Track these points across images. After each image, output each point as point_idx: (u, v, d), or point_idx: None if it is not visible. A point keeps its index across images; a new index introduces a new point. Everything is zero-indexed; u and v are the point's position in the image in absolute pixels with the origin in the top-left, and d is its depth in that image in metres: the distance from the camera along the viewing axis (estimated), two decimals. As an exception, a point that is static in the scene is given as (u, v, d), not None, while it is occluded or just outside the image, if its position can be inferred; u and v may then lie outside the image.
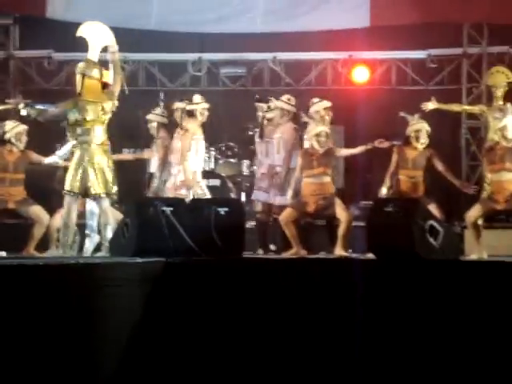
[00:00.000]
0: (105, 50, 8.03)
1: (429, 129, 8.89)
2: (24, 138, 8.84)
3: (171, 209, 6.97)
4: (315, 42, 11.68)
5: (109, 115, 7.89)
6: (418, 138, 8.86)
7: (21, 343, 5.09)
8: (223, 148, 11.48)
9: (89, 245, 8.59)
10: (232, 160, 11.46)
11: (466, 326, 5.89)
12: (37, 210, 8.73)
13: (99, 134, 7.83)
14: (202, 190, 9.08)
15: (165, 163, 9.39)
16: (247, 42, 11.82)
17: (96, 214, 8.30)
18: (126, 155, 9.48)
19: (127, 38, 11.52)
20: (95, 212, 8.30)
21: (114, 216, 7.93)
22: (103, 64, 8.04)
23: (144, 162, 10.13)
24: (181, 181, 9.09)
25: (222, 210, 7.15)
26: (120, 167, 8.38)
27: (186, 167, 9.02)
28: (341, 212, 8.60)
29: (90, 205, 8.33)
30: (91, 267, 5.83)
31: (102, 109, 7.81)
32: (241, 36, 11.70)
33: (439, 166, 8.82)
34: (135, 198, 7.96)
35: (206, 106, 9.35)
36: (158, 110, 9.74)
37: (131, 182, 10.11)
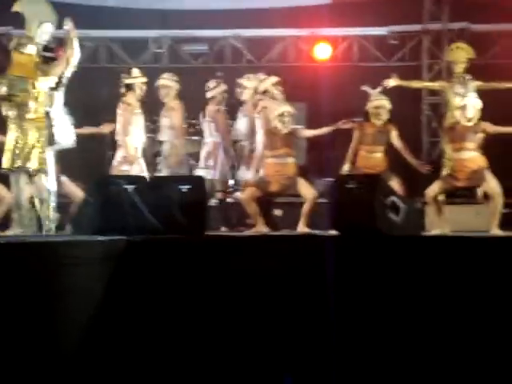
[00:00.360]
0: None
1: (389, 105, 8.94)
2: None
3: (133, 186, 6.93)
4: (277, 19, 11.66)
5: (45, 91, 7.74)
6: (377, 115, 8.92)
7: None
8: (185, 125, 11.42)
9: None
10: (194, 138, 11.41)
11: (428, 301, 5.94)
12: None
13: (31, 110, 7.71)
14: (140, 166, 9.07)
15: None
16: (209, 19, 11.77)
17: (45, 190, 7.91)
18: (86, 129, 9.36)
19: (87, 15, 11.52)
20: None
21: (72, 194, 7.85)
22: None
23: (105, 138, 10.10)
24: (122, 156, 9.06)
25: (184, 188, 7.13)
26: (81, 143, 8.31)
27: (128, 142, 8.99)
28: (305, 190, 8.62)
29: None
30: (52, 245, 5.79)
31: (33, 85, 7.69)
32: (202, 12, 11.64)
33: (398, 143, 8.88)
34: (96, 176, 7.90)
35: (144, 79, 9.33)
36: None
37: (92, 159, 10.07)
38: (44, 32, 7.87)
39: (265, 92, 9.39)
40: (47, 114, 7.79)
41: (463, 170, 8.29)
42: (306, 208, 8.55)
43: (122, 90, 9.33)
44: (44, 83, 7.73)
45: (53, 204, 7.75)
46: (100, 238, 6.31)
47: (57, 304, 5.40)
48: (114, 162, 9.15)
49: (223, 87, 9.73)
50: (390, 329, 5.94)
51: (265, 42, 12.10)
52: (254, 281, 6.02)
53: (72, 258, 5.61)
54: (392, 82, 9.23)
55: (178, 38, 12.08)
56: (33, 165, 7.63)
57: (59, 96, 7.89)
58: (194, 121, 11.40)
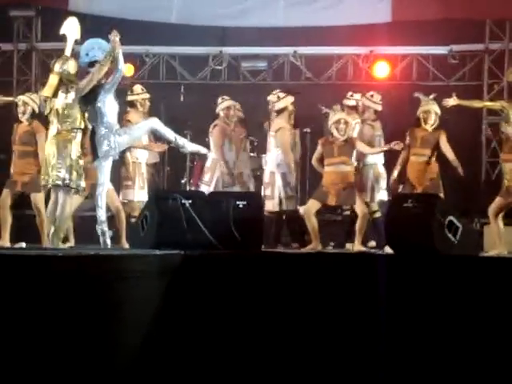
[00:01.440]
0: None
1: (438, 110, 8.95)
2: None
3: (190, 201, 6.99)
4: (336, 37, 11.65)
5: (63, 106, 7.67)
6: (426, 119, 8.91)
7: (40, 334, 5.13)
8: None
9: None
10: (252, 154, 11.46)
11: (484, 322, 5.88)
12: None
13: (54, 126, 7.68)
14: (142, 182, 9.23)
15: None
16: (268, 36, 11.81)
17: (99, 207, 7.76)
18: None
19: (148, 31, 11.66)
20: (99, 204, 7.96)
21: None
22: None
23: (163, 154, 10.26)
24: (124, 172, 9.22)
25: (241, 204, 7.16)
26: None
27: (128, 159, 9.15)
28: (359, 205, 8.62)
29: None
30: (110, 259, 5.86)
31: (54, 102, 7.71)
32: (262, 30, 11.69)
33: (445, 148, 8.82)
34: (154, 191, 7.97)
35: (147, 96, 9.44)
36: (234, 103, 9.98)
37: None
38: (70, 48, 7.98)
39: (283, 110, 9.40)
40: (76, 128, 7.70)
41: None
42: (359, 225, 8.55)
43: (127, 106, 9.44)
44: (60, 100, 7.66)
45: (102, 218, 7.66)
46: (157, 252, 6.37)
47: (114, 317, 5.46)
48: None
49: (226, 103, 9.74)
50: (443, 349, 5.89)
51: (324, 60, 12.09)
52: (308, 298, 6.02)
53: (129, 271, 5.67)
54: (452, 102, 9.16)
55: (238, 55, 12.15)
56: (71, 180, 7.60)
57: (103, 109, 7.78)
58: (251, 137, 11.48)
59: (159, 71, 12.22)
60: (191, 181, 11.22)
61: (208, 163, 9.73)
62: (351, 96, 9.78)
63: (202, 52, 12.21)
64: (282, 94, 9.58)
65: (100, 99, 7.56)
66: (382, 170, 9.28)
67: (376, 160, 9.26)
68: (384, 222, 7.62)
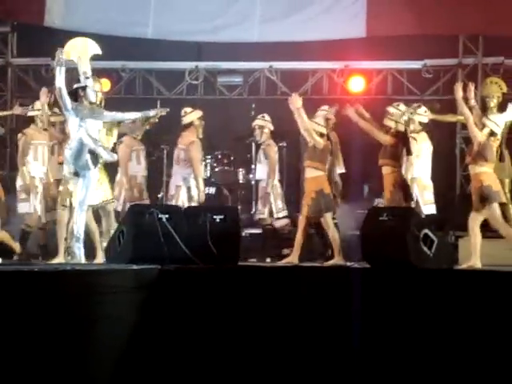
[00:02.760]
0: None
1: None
2: None
3: (167, 216, 6.99)
4: (311, 51, 11.72)
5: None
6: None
7: (16, 349, 5.12)
8: (219, 156, 11.51)
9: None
10: (228, 168, 11.49)
11: (459, 334, 5.93)
12: None
13: None
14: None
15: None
16: (244, 51, 11.87)
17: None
18: None
19: (125, 47, 11.68)
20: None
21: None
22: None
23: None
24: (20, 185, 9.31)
25: (218, 218, 7.18)
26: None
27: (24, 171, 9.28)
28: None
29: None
30: (87, 273, 5.86)
31: None
32: (237, 45, 11.74)
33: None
34: (131, 206, 7.97)
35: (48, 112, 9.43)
36: (267, 117, 10.01)
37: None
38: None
39: (190, 125, 9.63)
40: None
41: None
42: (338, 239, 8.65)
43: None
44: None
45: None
46: (134, 266, 6.37)
47: (90, 331, 5.46)
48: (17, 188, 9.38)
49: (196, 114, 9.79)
50: (417, 361, 5.93)
51: (299, 75, 12.15)
52: (284, 311, 6.04)
53: (106, 286, 5.67)
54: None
55: (214, 70, 12.19)
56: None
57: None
58: (227, 152, 11.52)
59: (136, 86, 12.24)
60: (168, 195, 11.24)
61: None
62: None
63: (179, 67, 12.24)
64: (188, 109, 9.66)
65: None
66: (427, 183, 9.18)
67: (421, 173, 9.17)
68: (359, 236, 7.66)
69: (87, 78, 7.98)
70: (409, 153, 8.94)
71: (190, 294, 6.09)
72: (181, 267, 6.43)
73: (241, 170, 11.49)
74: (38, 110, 9.46)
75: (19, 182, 9.36)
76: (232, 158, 11.53)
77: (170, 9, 11.59)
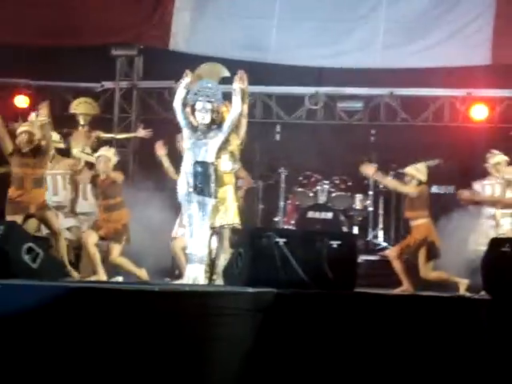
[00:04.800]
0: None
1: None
2: None
3: (284, 240, 7.01)
4: (433, 79, 11.61)
5: None
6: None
7: (134, 368, 5.21)
8: (337, 181, 11.51)
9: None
10: (345, 193, 11.46)
11: None
12: None
13: None
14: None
15: None
16: (364, 77, 11.85)
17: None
18: None
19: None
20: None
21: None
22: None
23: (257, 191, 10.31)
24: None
25: (335, 243, 7.15)
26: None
27: None
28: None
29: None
30: (204, 295, 5.92)
31: None
32: (358, 70, 11.73)
33: None
34: (249, 229, 8.03)
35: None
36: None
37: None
38: None
39: None
40: None
41: None
42: None
43: None
44: None
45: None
46: (250, 289, 6.40)
47: (207, 352, 5.50)
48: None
49: None
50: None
51: (420, 101, 12.05)
52: (402, 340, 5.96)
53: (224, 308, 5.71)
54: None
55: (334, 95, 12.20)
56: None
57: None
58: (344, 177, 11.50)
59: (255, 110, 12.36)
60: (285, 219, 11.29)
61: None
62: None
63: (298, 92, 12.31)
64: None
65: None
66: None
67: None
68: (481, 267, 7.51)
69: None
70: None
71: (305, 318, 6.07)
72: (297, 291, 6.42)
73: (358, 195, 11.45)
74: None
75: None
76: (349, 184, 11.50)
77: (291, 34, 11.69)
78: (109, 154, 9.01)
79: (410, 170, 8.92)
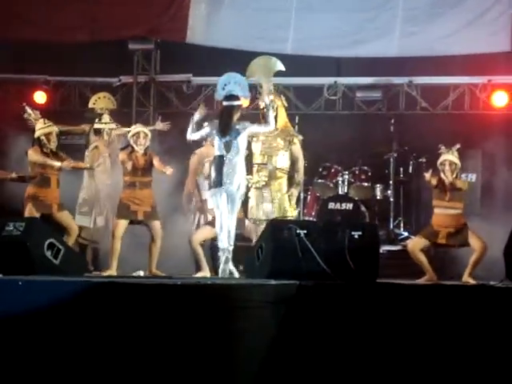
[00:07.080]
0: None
1: None
2: None
3: (305, 232, 6.99)
4: (452, 66, 11.54)
5: None
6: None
7: (159, 361, 5.21)
8: (357, 172, 11.46)
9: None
10: (365, 184, 11.41)
11: None
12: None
13: None
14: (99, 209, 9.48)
15: None
16: (383, 66, 11.79)
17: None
18: None
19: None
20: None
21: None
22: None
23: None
24: (83, 198, 9.48)
25: (356, 234, 7.12)
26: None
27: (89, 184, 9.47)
28: (475, 241, 8.47)
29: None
30: (227, 288, 5.92)
31: None
32: (377, 60, 11.67)
33: None
34: (270, 221, 8.02)
35: (113, 126, 9.64)
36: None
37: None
38: None
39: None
40: None
41: None
42: (473, 258, 8.41)
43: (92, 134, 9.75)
44: None
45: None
46: (272, 281, 6.39)
47: (232, 345, 5.50)
48: (80, 200, 9.49)
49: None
50: None
51: (440, 90, 11.97)
52: (426, 330, 5.93)
53: (245, 301, 5.71)
54: None
55: (352, 85, 12.14)
56: None
57: None
58: (365, 167, 11.45)
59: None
60: (305, 211, 11.26)
61: None
62: None
63: (317, 82, 12.26)
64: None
65: None
66: None
67: None
68: (504, 255, 7.46)
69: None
70: None
71: (328, 310, 6.05)
72: (319, 283, 6.40)
73: (378, 185, 11.41)
74: (106, 123, 9.69)
75: (82, 195, 9.55)
76: (369, 174, 11.45)
77: (309, 25, 11.64)
78: (146, 130, 8.95)
79: (452, 157, 8.70)
